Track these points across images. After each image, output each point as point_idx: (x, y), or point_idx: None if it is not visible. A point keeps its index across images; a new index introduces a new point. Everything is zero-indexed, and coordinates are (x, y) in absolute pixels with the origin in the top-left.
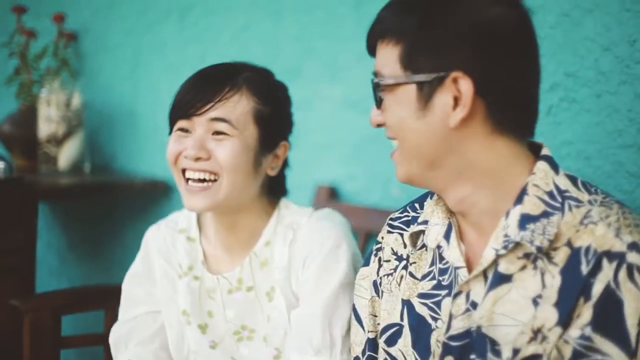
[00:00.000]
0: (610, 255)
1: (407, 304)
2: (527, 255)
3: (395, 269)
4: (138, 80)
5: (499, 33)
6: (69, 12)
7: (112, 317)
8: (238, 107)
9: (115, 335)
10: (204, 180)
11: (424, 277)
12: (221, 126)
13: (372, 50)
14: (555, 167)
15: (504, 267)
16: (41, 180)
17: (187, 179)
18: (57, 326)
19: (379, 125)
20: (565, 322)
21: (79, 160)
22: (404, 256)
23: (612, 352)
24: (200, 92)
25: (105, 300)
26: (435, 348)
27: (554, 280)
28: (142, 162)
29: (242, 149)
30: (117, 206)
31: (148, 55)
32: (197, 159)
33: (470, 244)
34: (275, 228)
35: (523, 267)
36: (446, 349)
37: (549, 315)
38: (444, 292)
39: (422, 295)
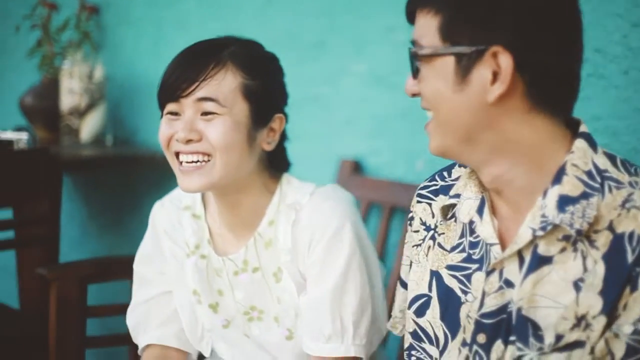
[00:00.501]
0: None
1: (435, 275)
2: (566, 238)
3: (423, 239)
4: (160, 54)
5: (542, 7)
6: None
7: None
8: (224, 84)
9: (133, 318)
10: (197, 162)
11: (453, 248)
12: (209, 105)
13: (411, 18)
14: (593, 145)
15: (543, 249)
16: (63, 152)
17: (181, 162)
18: (84, 295)
19: (414, 95)
20: (610, 311)
21: (100, 133)
22: (432, 226)
23: None
24: (184, 72)
25: (131, 270)
26: (466, 323)
27: (597, 267)
28: None
29: (232, 127)
30: (138, 179)
31: (170, 29)
32: (188, 142)
33: (503, 220)
34: (278, 206)
35: (563, 250)
36: (479, 326)
37: (593, 302)
38: (474, 266)
39: (451, 267)
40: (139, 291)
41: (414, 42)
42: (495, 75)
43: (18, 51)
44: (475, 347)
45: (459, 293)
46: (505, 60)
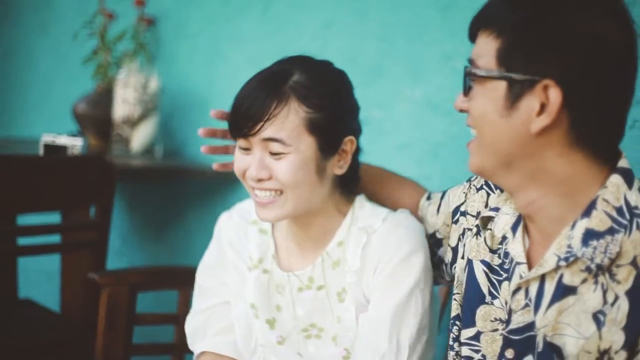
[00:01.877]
0: None
1: (469, 263)
2: (588, 269)
3: (468, 227)
4: (215, 69)
5: (600, 50)
6: None
7: (186, 298)
8: (287, 122)
9: (192, 325)
10: (270, 196)
11: (493, 251)
12: (274, 146)
13: (472, 37)
14: (630, 181)
15: (568, 279)
16: (113, 161)
17: (256, 194)
18: (133, 302)
19: (462, 111)
20: (631, 346)
21: (151, 144)
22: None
23: None
24: (248, 110)
25: (180, 281)
26: (481, 322)
27: (621, 302)
28: None
29: (300, 164)
30: (184, 193)
31: (226, 45)
32: (259, 180)
33: (533, 242)
34: (349, 228)
35: (584, 281)
36: (507, 343)
37: (616, 338)
38: (504, 275)
39: (485, 263)
40: (200, 300)
41: (471, 61)
42: (542, 107)
43: (73, 58)
44: None
45: (485, 290)
46: (555, 95)
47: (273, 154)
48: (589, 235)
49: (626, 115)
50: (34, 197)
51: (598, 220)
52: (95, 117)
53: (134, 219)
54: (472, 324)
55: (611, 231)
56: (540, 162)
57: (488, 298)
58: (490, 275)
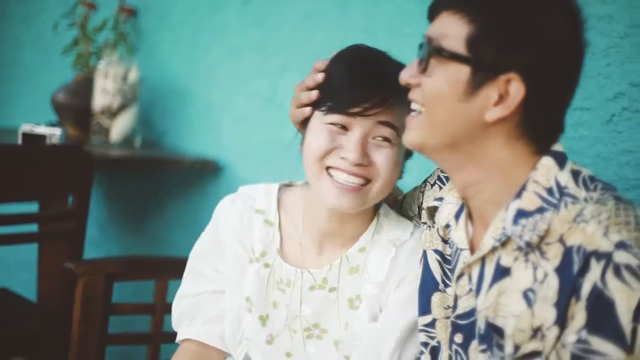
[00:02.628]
0: (597, 254)
1: (424, 254)
2: (519, 249)
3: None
4: (195, 60)
5: (563, 49)
6: None
7: (163, 288)
8: (406, 114)
9: (180, 309)
10: (355, 183)
11: (445, 241)
12: (387, 132)
13: (433, 14)
14: (561, 162)
15: (505, 260)
16: (92, 151)
17: (333, 178)
18: (109, 292)
19: (407, 85)
20: (561, 321)
21: (130, 134)
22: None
23: (610, 351)
24: (373, 88)
25: (158, 271)
26: (436, 309)
27: (550, 279)
28: (192, 141)
29: (398, 160)
30: (163, 183)
31: (208, 37)
32: (358, 165)
33: (476, 229)
34: (372, 236)
35: (516, 259)
36: (456, 328)
37: (548, 314)
38: (454, 263)
39: (438, 252)
40: (191, 282)
41: (430, 39)
42: (500, 98)
43: (54, 48)
44: (454, 347)
45: (439, 279)
46: (517, 89)
47: (382, 138)
48: (519, 215)
49: (565, 112)
50: (11, 186)
51: (528, 201)
52: (75, 107)
53: (112, 209)
54: (428, 311)
55: (540, 210)
56: (484, 148)
57: (441, 286)
58: (443, 264)
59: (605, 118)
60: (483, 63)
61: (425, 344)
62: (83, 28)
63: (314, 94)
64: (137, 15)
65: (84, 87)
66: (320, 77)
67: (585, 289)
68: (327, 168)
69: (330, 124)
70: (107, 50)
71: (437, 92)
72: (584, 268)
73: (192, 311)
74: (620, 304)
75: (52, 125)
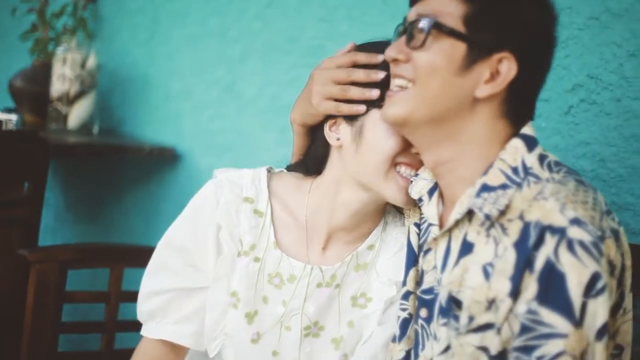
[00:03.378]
0: (552, 229)
1: (408, 229)
2: (482, 224)
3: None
4: (155, 47)
5: (550, 31)
6: None
7: (118, 276)
8: None
9: (150, 307)
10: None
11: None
12: None
13: None
14: (530, 146)
15: (470, 236)
16: (49, 137)
17: (402, 175)
18: (63, 280)
19: (394, 60)
20: (515, 293)
21: (88, 121)
22: None
23: (558, 324)
24: None
25: (113, 259)
26: (410, 282)
27: (508, 253)
28: (150, 129)
29: None
30: (120, 170)
31: (167, 24)
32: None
33: (446, 208)
34: (381, 233)
35: (478, 233)
36: (421, 302)
37: (503, 287)
38: (423, 238)
39: (416, 225)
40: (160, 277)
41: (421, 15)
42: (491, 76)
43: (12, 33)
44: (420, 321)
45: (416, 250)
46: (509, 68)
47: None
48: (482, 189)
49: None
50: None
51: (493, 177)
52: (32, 93)
53: (69, 196)
54: (405, 283)
55: (503, 187)
56: (467, 124)
57: (420, 259)
58: (419, 236)
59: (563, 110)
60: (479, 41)
61: (398, 318)
62: (42, 13)
63: (375, 94)
64: (96, 2)
65: (41, 73)
66: (382, 75)
67: (539, 261)
68: (396, 164)
69: None
70: (65, 36)
71: (433, 66)
72: (539, 241)
73: (163, 310)
74: (571, 278)
75: (8, 111)
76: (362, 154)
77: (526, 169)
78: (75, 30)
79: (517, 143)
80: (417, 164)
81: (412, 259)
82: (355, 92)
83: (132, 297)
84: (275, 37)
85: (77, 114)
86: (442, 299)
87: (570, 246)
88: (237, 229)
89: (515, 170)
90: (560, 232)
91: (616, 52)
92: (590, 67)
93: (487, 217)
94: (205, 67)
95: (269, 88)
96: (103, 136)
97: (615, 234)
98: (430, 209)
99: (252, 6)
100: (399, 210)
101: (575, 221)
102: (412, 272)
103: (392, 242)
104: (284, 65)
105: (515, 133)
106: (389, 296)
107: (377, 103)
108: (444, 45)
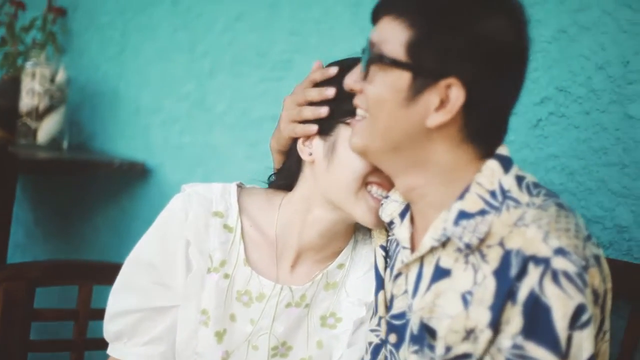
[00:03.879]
0: (536, 259)
1: (375, 252)
2: (459, 250)
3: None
4: (125, 61)
5: (503, 54)
6: None
7: (87, 294)
8: None
9: (117, 328)
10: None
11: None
12: None
13: (375, 17)
14: (506, 166)
15: (444, 262)
16: (18, 153)
17: (373, 195)
18: (31, 298)
19: (351, 90)
20: (495, 324)
21: (58, 136)
22: None
23: (545, 358)
24: None
25: (82, 276)
26: (381, 308)
27: (487, 281)
28: (121, 144)
29: None
30: (91, 186)
31: (137, 38)
32: None
33: (416, 229)
34: (351, 252)
35: (456, 260)
36: (390, 327)
37: (482, 317)
38: (393, 262)
39: (382, 248)
40: (127, 296)
41: (371, 44)
42: (441, 104)
43: None
44: (389, 347)
45: (383, 274)
46: (457, 94)
47: None
48: (461, 216)
49: (512, 109)
50: None
51: (470, 202)
52: (1, 107)
53: (39, 212)
54: (376, 311)
55: (482, 212)
56: (428, 153)
57: (387, 282)
58: (387, 259)
59: (532, 123)
60: (423, 69)
61: (369, 343)
62: (11, 27)
63: (324, 111)
64: (66, 15)
65: (10, 88)
66: (332, 92)
67: (522, 293)
68: (367, 184)
69: None
70: (35, 50)
71: (379, 99)
72: (522, 272)
73: (132, 330)
74: (556, 311)
75: None
76: (333, 171)
77: (504, 192)
78: (44, 45)
79: (493, 165)
80: (389, 185)
81: (380, 284)
82: (307, 112)
83: (102, 314)
84: (245, 51)
85: (46, 129)
86: (413, 325)
87: (555, 277)
88: (206, 245)
89: (493, 193)
90: (544, 262)
91: (584, 65)
92: (558, 80)
93: (468, 246)
94: (175, 82)
95: (239, 102)
96: (73, 151)
97: (598, 260)
98: (402, 232)
99: (221, 20)
100: (369, 229)
101: (560, 251)
102: (380, 297)
103: (362, 261)
104: (253, 79)
105: (485, 154)
106: (359, 317)
107: (348, 119)
108: (389, 77)
